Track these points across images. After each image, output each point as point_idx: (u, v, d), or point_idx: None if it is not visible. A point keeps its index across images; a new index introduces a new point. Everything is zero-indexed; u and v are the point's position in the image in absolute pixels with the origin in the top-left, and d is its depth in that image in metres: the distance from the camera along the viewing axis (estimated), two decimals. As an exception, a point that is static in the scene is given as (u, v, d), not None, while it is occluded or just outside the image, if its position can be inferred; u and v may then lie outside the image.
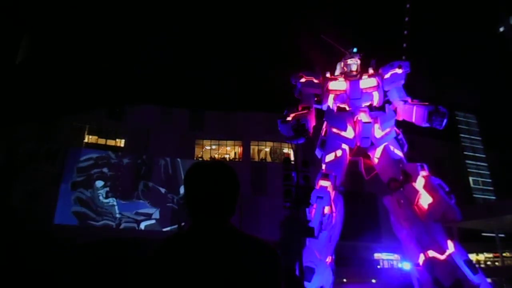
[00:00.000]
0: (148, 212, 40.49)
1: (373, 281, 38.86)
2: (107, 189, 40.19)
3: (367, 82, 16.75)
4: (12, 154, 36.79)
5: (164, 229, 39.64)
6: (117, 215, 39.62)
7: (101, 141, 43.38)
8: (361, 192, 38.86)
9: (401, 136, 16.18)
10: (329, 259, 14.12)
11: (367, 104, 16.39)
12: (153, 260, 1.88)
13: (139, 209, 40.27)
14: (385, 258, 45.52)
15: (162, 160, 42.71)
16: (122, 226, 39.34)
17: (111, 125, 43.41)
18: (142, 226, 39.89)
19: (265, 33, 51.88)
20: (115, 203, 39.96)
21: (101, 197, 39.75)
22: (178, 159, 43.02)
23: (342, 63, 17.71)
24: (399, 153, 15.68)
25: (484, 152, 59.96)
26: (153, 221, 40.30)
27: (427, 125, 15.54)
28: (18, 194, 35.46)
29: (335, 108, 16.50)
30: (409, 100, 16.48)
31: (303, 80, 16.96)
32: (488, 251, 43.78)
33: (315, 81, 17.04)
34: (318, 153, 16.55)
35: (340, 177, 15.26)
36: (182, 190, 40.65)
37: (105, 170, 40.60)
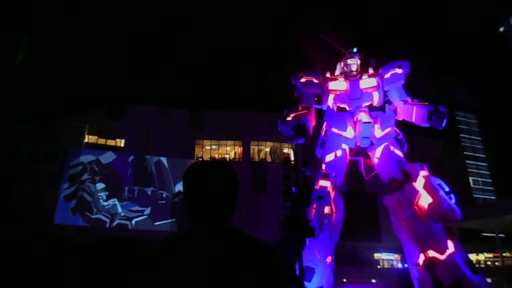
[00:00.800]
0: (140, 209, 40.89)
1: (373, 281, 38.87)
2: (107, 192, 40.27)
3: (367, 82, 16.73)
4: (12, 154, 36.80)
5: (156, 223, 40.15)
6: (122, 214, 39.90)
7: (101, 141, 43.33)
8: (361, 192, 38.83)
9: (401, 136, 16.14)
10: (329, 259, 14.10)
11: (367, 104, 16.37)
12: (153, 260, 1.88)
13: (132, 207, 40.72)
14: (385, 258, 45.55)
15: (148, 162, 42.85)
16: (115, 223, 39.56)
17: (111, 125, 43.36)
18: (134, 222, 40.33)
19: (265, 33, 51.76)
20: (116, 202, 40.09)
21: (101, 200, 39.82)
22: (162, 158, 43.08)
23: (342, 63, 17.67)
24: (399, 153, 15.66)
25: (484, 152, 59.97)
26: (144, 217, 40.74)
27: (427, 125, 15.50)
28: (18, 194, 35.46)
29: (335, 108, 16.50)
30: (409, 100, 16.44)
31: (303, 80, 16.92)
32: (488, 251, 43.73)
33: (315, 81, 17.00)
34: (318, 153, 16.54)
35: (340, 177, 15.25)
36: (173, 187, 41.42)
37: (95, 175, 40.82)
